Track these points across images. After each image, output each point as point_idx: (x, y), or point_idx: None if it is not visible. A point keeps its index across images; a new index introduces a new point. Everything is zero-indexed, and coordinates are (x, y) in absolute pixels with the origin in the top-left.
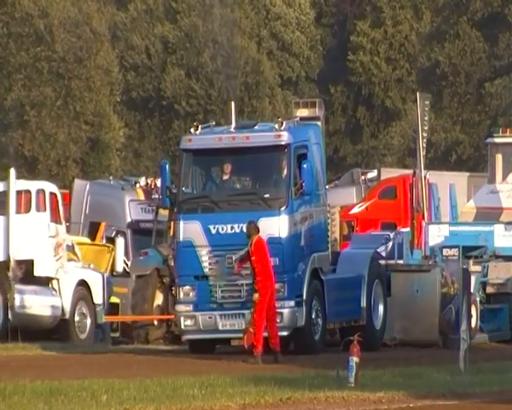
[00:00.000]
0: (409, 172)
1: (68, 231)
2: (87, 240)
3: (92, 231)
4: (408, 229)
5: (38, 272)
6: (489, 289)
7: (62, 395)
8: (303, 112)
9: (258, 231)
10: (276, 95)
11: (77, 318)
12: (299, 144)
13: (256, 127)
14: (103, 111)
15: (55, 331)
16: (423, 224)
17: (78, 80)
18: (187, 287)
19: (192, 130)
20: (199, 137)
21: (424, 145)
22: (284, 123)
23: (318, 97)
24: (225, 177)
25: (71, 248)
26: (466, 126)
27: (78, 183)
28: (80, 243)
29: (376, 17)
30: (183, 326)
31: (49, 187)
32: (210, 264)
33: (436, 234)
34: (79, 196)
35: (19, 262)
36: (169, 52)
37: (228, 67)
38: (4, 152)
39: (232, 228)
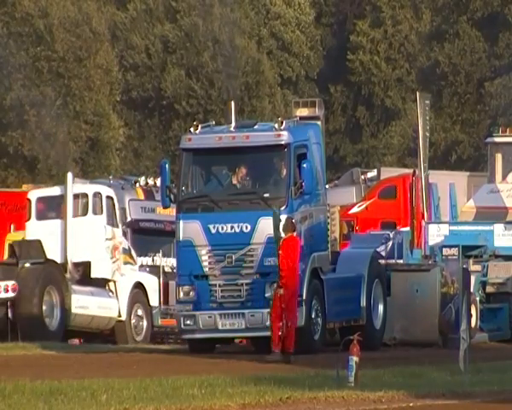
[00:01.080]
0: (409, 171)
1: None
2: None
3: None
4: (408, 228)
5: (95, 274)
6: (489, 289)
7: (62, 394)
8: (303, 111)
9: (294, 228)
10: (276, 94)
11: (133, 320)
12: (298, 144)
13: (256, 127)
14: (103, 111)
15: (111, 333)
16: (423, 223)
17: (78, 80)
18: (187, 286)
19: (192, 129)
20: (199, 137)
21: (426, 145)
22: (284, 123)
23: (318, 97)
24: (235, 180)
25: (127, 251)
26: (466, 126)
27: (78, 182)
28: None
29: (376, 17)
30: (182, 326)
31: (106, 191)
32: (210, 263)
33: (436, 234)
34: None
35: (76, 264)
36: (169, 52)
37: (228, 67)
38: (4, 152)
39: (232, 228)
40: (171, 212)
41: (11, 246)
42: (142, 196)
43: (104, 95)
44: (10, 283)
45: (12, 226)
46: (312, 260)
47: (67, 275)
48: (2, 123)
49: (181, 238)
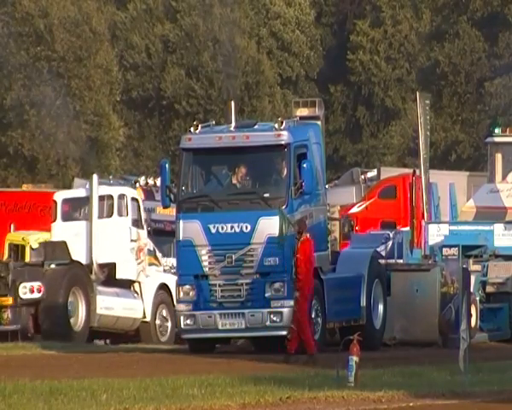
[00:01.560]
0: (409, 171)
1: None
2: None
3: None
4: (408, 228)
5: (120, 275)
6: (489, 289)
7: (62, 394)
8: (303, 111)
9: (306, 228)
10: (276, 94)
11: (158, 321)
12: (298, 144)
13: (256, 127)
14: (103, 110)
15: (136, 334)
16: (423, 223)
17: (78, 80)
18: (187, 286)
19: (192, 129)
20: (199, 137)
21: (427, 145)
22: (284, 122)
23: (318, 97)
24: (235, 180)
25: (152, 253)
26: (466, 126)
27: (77, 182)
28: None
29: (376, 17)
30: (182, 325)
31: (131, 192)
32: (210, 263)
33: (436, 233)
34: None
35: (101, 266)
36: (169, 51)
37: (228, 67)
38: (4, 152)
39: (232, 227)
40: (171, 212)
41: (39, 246)
42: (142, 196)
43: (104, 95)
44: (36, 284)
45: (12, 226)
46: None
47: (92, 276)
48: (3, 123)
49: (181, 238)
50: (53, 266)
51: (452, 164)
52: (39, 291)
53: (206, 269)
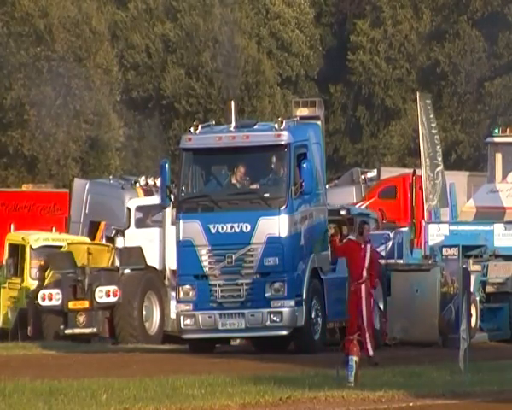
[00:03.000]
0: (409, 171)
1: (68, 230)
2: (87, 239)
3: (92, 231)
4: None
5: None
6: (489, 289)
7: (62, 394)
8: (303, 111)
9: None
10: (276, 94)
11: None
12: (298, 144)
13: (256, 127)
14: (103, 110)
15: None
16: (423, 223)
17: (78, 80)
18: (187, 286)
19: (192, 129)
20: (199, 137)
21: (437, 142)
22: (284, 122)
23: (318, 97)
24: (235, 180)
25: None
26: (466, 126)
27: (77, 182)
28: (80, 243)
29: (376, 17)
30: (182, 325)
31: None
32: (210, 263)
33: (436, 233)
34: (79, 196)
35: (174, 271)
36: (169, 51)
37: (228, 67)
38: (4, 152)
39: (232, 227)
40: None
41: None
42: (142, 196)
43: (104, 95)
44: (112, 288)
45: (12, 226)
46: (312, 260)
47: (166, 281)
48: (3, 123)
49: (181, 238)
50: (128, 271)
51: (452, 164)
52: (115, 295)
53: (206, 269)
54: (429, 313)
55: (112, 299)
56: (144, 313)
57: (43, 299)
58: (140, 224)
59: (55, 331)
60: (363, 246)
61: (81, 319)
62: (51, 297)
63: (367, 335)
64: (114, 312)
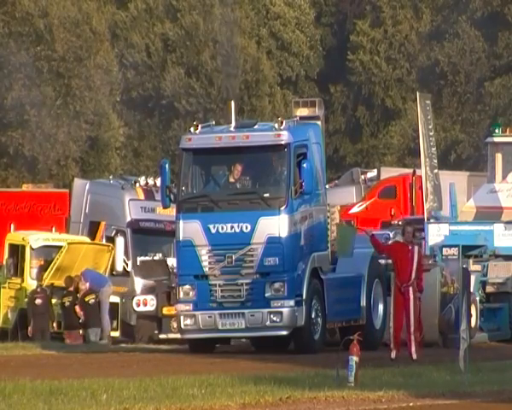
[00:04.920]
0: (409, 171)
1: (68, 230)
2: (87, 239)
3: (92, 231)
4: None
5: None
6: (489, 289)
7: (62, 394)
8: (303, 111)
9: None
10: (276, 94)
11: None
12: (298, 144)
13: (256, 126)
14: (103, 110)
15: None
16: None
17: (78, 79)
18: (187, 286)
19: (192, 129)
20: (199, 137)
21: (432, 144)
22: (284, 122)
23: (318, 97)
24: (232, 178)
25: None
26: (465, 126)
27: (77, 182)
28: (80, 243)
29: (376, 17)
30: (182, 325)
31: None
32: (210, 263)
33: (436, 233)
34: (79, 196)
35: None
36: (169, 50)
37: (228, 66)
38: (4, 152)
39: (232, 227)
40: (171, 212)
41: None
42: (142, 196)
43: (104, 95)
44: None
45: (12, 226)
46: (312, 260)
47: None
48: (3, 123)
49: (181, 238)
50: None
51: (452, 164)
52: None
53: (206, 269)
54: (429, 313)
55: None
56: None
57: (138, 305)
58: None
59: (149, 336)
60: (410, 247)
61: (175, 324)
62: (146, 303)
63: (412, 338)
64: None
